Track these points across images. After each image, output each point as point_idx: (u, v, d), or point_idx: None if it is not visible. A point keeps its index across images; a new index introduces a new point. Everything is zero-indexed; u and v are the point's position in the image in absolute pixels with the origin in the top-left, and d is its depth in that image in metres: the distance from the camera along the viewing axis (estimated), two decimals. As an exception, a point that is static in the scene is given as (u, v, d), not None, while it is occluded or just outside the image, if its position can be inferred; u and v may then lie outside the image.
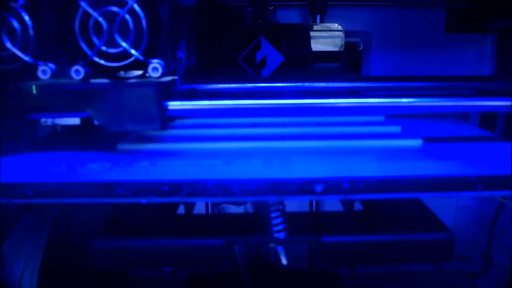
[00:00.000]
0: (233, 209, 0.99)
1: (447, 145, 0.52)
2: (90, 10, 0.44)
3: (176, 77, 0.49)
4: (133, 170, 0.43)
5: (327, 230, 0.53)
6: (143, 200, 0.40)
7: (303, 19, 0.94)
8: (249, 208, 0.95)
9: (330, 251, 0.52)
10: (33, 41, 0.45)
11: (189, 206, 0.80)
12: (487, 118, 0.89)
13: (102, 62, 0.45)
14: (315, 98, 0.47)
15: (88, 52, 0.45)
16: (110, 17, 0.44)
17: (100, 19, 0.44)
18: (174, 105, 0.46)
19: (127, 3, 0.44)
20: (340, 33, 0.85)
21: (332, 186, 0.40)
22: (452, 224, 0.99)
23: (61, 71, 0.46)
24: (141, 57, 0.45)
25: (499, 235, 0.91)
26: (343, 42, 0.85)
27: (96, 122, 0.45)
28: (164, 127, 0.45)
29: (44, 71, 0.45)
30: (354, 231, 0.54)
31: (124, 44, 0.44)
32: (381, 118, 0.63)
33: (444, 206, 0.95)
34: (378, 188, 0.40)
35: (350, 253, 0.53)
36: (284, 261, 0.52)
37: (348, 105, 0.47)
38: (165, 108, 0.45)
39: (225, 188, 0.40)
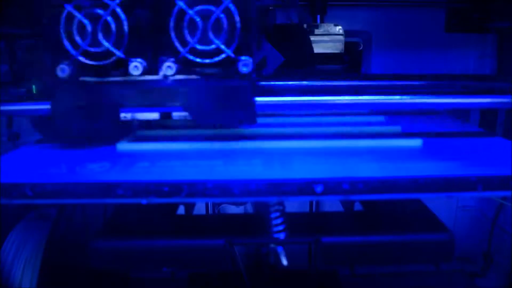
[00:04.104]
0: (233, 209, 0.99)
1: (447, 145, 0.52)
2: (185, 8, 0.45)
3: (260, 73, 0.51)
4: (133, 171, 0.43)
5: (327, 231, 0.53)
6: (143, 201, 0.40)
7: (303, 19, 0.94)
8: (249, 208, 0.95)
9: (330, 251, 0.52)
10: (127, 38, 0.46)
11: (189, 207, 0.80)
12: (487, 118, 0.89)
13: (193, 58, 0.47)
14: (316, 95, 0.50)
15: (181, 49, 0.46)
16: (205, 16, 0.46)
17: (196, 17, 0.45)
18: (260, 100, 0.48)
19: (222, 2, 0.45)
20: (341, 34, 0.85)
21: (332, 186, 0.40)
22: (452, 224, 0.99)
23: (149, 66, 0.47)
24: (232, 55, 0.46)
25: (499, 235, 0.91)
26: (343, 42, 0.85)
27: (189, 117, 0.47)
28: (254, 121, 0.47)
29: (136, 67, 0.46)
30: (354, 231, 0.54)
31: (217, 42, 0.46)
32: (381, 118, 0.63)
33: (444, 206, 0.95)
34: (378, 189, 0.40)
35: (350, 253, 0.53)
36: (284, 261, 0.52)
37: (352, 101, 0.49)
38: (255, 103, 0.48)
39: (225, 188, 0.40)
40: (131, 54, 0.47)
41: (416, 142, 0.51)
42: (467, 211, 1.01)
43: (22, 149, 0.53)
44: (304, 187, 0.40)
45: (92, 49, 0.47)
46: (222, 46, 0.46)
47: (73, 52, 0.47)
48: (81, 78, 0.47)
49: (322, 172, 0.42)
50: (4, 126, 0.87)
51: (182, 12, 0.45)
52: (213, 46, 0.46)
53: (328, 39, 0.85)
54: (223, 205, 0.99)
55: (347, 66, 0.91)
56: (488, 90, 0.54)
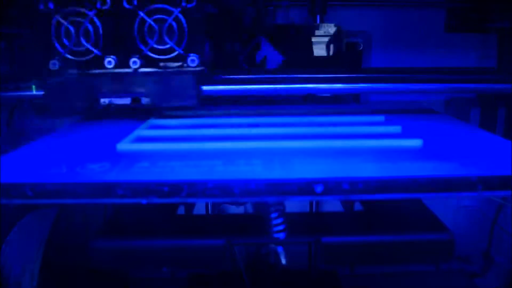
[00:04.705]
0: (233, 209, 0.99)
1: (447, 145, 0.52)
2: (146, 17, 0.61)
3: (204, 68, 0.63)
4: (133, 171, 0.43)
5: (327, 231, 0.53)
6: (143, 201, 0.40)
7: (303, 19, 0.94)
8: (249, 208, 0.95)
9: (330, 251, 0.52)
10: (102, 39, 0.61)
11: (189, 207, 0.80)
12: (487, 118, 0.89)
13: (154, 55, 0.62)
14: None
15: (143, 48, 0.61)
16: (160, 22, 0.61)
17: (153, 23, 0.61)
18: (207, 88, 0.62)
19: (173, 12, 0.60)
20: (340, 34, 0.85)
21: (332, 186, 0.40)
22: (452, 224, 0.99)
23: (120, 62, 0.61)
24: (182, 52, 0.61)
25: (499, 235, 0.91)
26: (343, 42, 0.85)
27: (146, 101, 0.60)
28: (198, 105, 0.61)
29: (110, 62, 0.61)
30: (354, 231, 0.54)
31: (170, 42, 0.61)
32: (381, 118, 0.63)
33: (444, 206, 0.95)
34: (378, 189, 0.40)
35: (350, 253, 0.53)
36: (284, 261, 0.52)
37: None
38: (200, 90, 0.62)
39: (225, 188, 0.40)
40: (106, 52, 0.61)
41: (416, 142, 0.51)
42: (467, 211, 1.01)
43: (22, 149, 0.53)
44: (304, 187, 0.40)
45: (75, 48, 0.62)
46: (174, 46, 0.61)
47: (61, 50, 0.62)
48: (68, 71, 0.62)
49: (322, 172, 0.42)
50: (5, 126, 0.87)
51: (143, 20, 0.61)
52: (167, 46, 0.61)
53: (328, 39, 0.85)
54: (223, 205, 0.99)
55: (347, 67, 0.91)
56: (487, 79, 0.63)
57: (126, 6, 0.60)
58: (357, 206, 0.63)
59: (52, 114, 0.64)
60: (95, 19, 0.61)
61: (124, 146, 0.51)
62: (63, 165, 0.45)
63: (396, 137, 0.54)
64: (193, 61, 0.61)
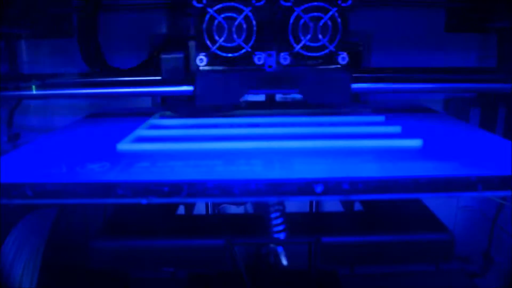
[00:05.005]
0: (233, 209, 0.99)
1: (447, 145, 0.52)
2: (302, 14, 0.60)
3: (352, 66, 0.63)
4: (133, 171, 0.43)
5: (327, 231, 0.53)
6: (143, 201, 0.40)
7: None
8: (249, 208, 0.94)
9: (330, 251, 0.52)
10: (254, 35, 0.60)
11: (189, 207, 0.80)
12: (487, 118, 0.89)
13: (305, 53, 0.61)
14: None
15: (295, 45, 0.61)
16: (315, 20, 0.60)
17: (309, 21, 0.60)
18: (357, 86, 0.65)
19: (330, 9, 0.60)
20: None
21: (332, 186, 0.40)
22: (452, 224, 0.99)
23: (272, 58, 0.63)
24: (333, 50, 0.61)
25: (499, 235, 0.91)
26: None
27: (302, 97, 0.62)
28: (351, 100, 0.63)
29: (259, 58, 0.62)
30: (354, 231, 0.54)
31: (323, 40, 0.61)
32: (381, 118, 0.63)
33: (444, 206, 0.94)
34: (378, 189, 0.40)
35: (350, 253, 0.53)
36: (284, 261, 0.52)
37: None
38: (351, 88, 0.63)
39: (225, 188, 0.40)
40: (256, 48, 0.61)
41: (416, 142, 0.51)
42: (467, 211, 1.01)
43: (22, 149, 0.53)
44: (304, 187, 0.40)
45: (226, 44, 0.61)
46: (327, 43, 0.61)
47: (210, 46, 0.61)
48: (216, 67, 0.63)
49: (322, 172, 0.42)
50: (5, 126, 0.87)
51: (298, 17, 0.60)
52: (319, 43, 0.61)
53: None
54: (223, 205, 0.99)
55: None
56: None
57: (283, 3, 0.60)
58: (357, 206, 0.63)
59: (197, 110, 0.64)
60: (250, 15, 0.60)
61: (124, 146, 0.51)
62: (63, 165, 0.45)
63: (396, 137, 0.54)
64: (343, 59, 0.61)
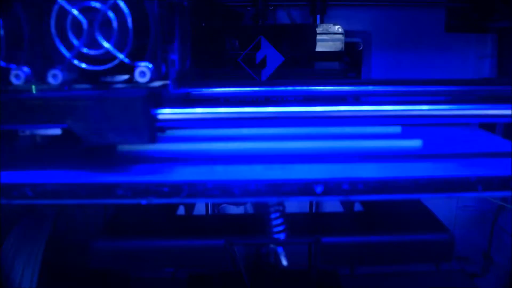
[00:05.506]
0: (233, 209, 0.99)
1: (447, 145, 0.52)
2: (67, 7, 0.37)
3: (167, 82, 0.42)
4: (133, 171, 0.43)
5: (327, 231, 0.53)
6: (143, 201, 0.40)
7: (303, 19, 0.94)
8: (249, 208, 0.94)
9: (330, 251, 0.52)
10: (4, 43, 0.38)
11: (189, 207, 0.80)
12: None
13: (83, 65, 0.39)
14: (319, 105, 0.43)
15: (67, 54, 0.38)
16: (91, 15, 0.38)
17: (80, 16, 0.38)
18: (164, 113, 0.40)
19: None
20: (340, 34, 0.85)
21: (332, 187, 0.40)
22: (452, 224, 0.99)
23: (37, 75, 0.39)
24: (126, 60, 0.39)
25: (499, 235, 0.91)
26: (343, 42, 0.85)
27: (77, 135, 0.38)
28: (153, 140, 0.39)
29: (18, 76, 0.38)
30: (354, 232, 0.54)
31: (106, 44, 0.38)
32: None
33: (444, 206, 0.95)
34: (378, 189, 0.40)
35: (350, 253, 0.53)
36: (284, 261, 0.52)
37: (352, 114, 0.44)
38: (153, 118, 0.39)
39: (225, 189, 0.40)
40: (14, 61, 0.39)
41: (416, 143, 0.51)
42: (467, 211, 1.01)
43: (22, 148, 0.53)
44: (304, 187, 0.40)
45: None
46: (115, 51, 0.38)
47: None
48: None
49: (322, 172, 0.42)
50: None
51: (65, 11, 0.38)
52: (104, 50, 0.39)
53: (327, 38, 0.85)
54: (223, 205, 0.99)
55: (347, 67, 0.91)
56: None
57: None
58: (357, 207, 0.63)
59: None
60: None
61: (124, 146, 0.51)
62: (63, 165, 0.45)
63: (396, 137, 0.54)
64: (142, 73, 0.39)
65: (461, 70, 0.94)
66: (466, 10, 0.88)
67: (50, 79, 0.38)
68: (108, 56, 0.39)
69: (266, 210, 0.53)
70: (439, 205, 0.66)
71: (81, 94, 0.38)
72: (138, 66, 0.39)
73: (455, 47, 0.94)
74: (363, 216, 0.61)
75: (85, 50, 0.39)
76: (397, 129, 0.57)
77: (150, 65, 0.39)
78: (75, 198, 0.40)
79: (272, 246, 0.53)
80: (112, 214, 0.61)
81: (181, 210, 0.67)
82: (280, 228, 0.53)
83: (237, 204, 0.96)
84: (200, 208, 0.96)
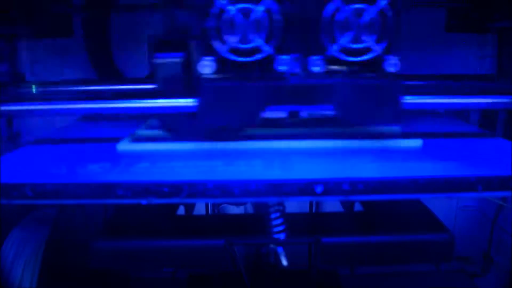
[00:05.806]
0: (233, 209, 0.99)
1: (447, 145, 0.52)
2: (341, 6, 0.45)
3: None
4: (133, 171, 0.43)
5: (327, 231, 0.53)
6: (143, 201, 0.40)
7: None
8: (249, 208, 0.94)
9: (330, 251, 0.52)
10: (279, 33, 0.46)
11: (189, 207, 0.80)
12: (487, 118, 0.89)
13: (342, 57, 0.46)
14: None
15: (331, 47, 0.46)
16: (358, 15, 0.46)
17: (350, 17, 0.45)
18: (408, 99, 0.48)
19: (376, 2, 0.45)
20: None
21: (332, 187, 0.40)
22: (452, 224, 0.99)
23: (298, 64, 0.47)
24: (380, 53, 0.46)
25: (499, 235, 0.91)
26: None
27: (337, 115, 0.47)
28: (398, 120, 0.48)
29: (283, 63, 0.46)
30: (354, 231, 0.54)
31: (370, 42, 0.46)
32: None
33: (444, 206, 0.94)
34: (378, 189, 0.40)
35: (350, 253, 0.53)
36: (284, 261, 0.52)
37: None
38: (400, 102, 0.47)
39: (225, 189, 0.40)
40: (280, 50, 0.46)
41: (416, 143, 0.51)
42: (467, 211, 1.01)
43: (22, 149, 0.53)
44: (304, 187, 0.40)
45: (237, 45, 0.46)
46: (374, 45, 0.46)
47: (219, 49, 0.47)
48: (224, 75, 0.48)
49: (322, 172, 0.42)
50: (4, 126, 0.87)
51: (338, 10, 0.46)
52: (363, 45, 0.46)
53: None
54: (223, 205, 0.99)
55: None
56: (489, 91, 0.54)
57: None
58: (357, 207, 0.63)
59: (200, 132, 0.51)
60: (273, 7, 0.45)
61: (124, 146, 0.51)
62: (63, 165, 0.45)
63: (396, 137, 0.54)
64: (392, 65, 0.47)
65: (461, 70, 0.94)
66: (466, 10, 0.88)
67: (312, 67, 0.46)
68: (363, 50, 0.47)
69: (266, 210, 0.53)
70: (439, 205, 0.66)
71: (346, 82, 0.46)
72: (387, 59, 0.47)
73: (455, 47, 0.94)
74: (363, 216, 0.61)
75: (350, 45, 0.46)
76: (397, 128, 0.57)
77: (397, 59, 0.47)
78: (75, 198, 0.40)
79: (272, 246, 0.53)
80: (112, 214, 0.61)
81: (181, 210, 0.67)
82: (280, 228, 0.53)
83: (237, 204, 0.96)
84: (200, 208, 0.96)
